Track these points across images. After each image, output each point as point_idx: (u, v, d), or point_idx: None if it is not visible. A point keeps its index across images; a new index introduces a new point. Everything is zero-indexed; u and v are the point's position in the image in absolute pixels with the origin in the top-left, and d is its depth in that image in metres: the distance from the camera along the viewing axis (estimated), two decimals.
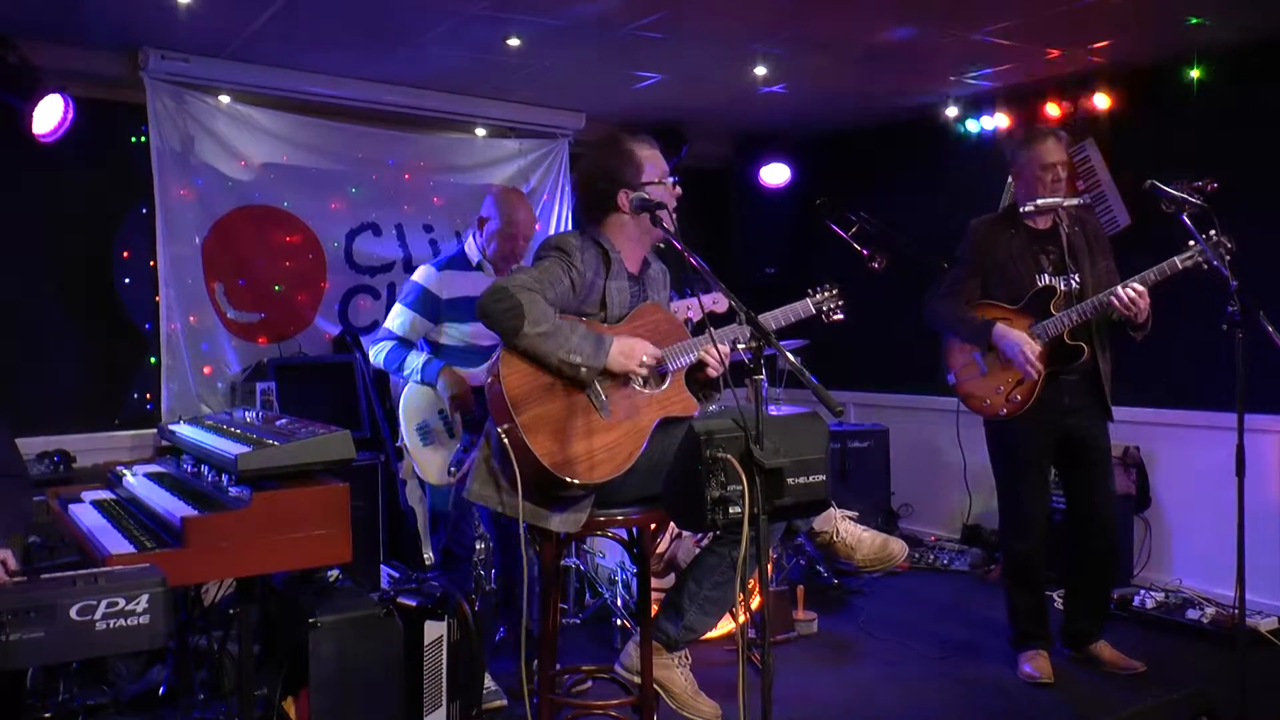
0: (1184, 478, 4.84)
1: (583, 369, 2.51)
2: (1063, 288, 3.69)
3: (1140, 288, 3.48)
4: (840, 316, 3.19)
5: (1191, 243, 3.39)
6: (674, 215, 2.72)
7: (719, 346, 2.68)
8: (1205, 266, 3.37)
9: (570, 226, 5.87)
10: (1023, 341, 3.62)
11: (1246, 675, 3.15)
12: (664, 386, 2.70)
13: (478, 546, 4.10)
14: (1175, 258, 3.47)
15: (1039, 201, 3.65)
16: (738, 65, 4.89)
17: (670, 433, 2.58)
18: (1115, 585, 4.08)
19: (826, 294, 3.17)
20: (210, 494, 2.53)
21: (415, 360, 3.60)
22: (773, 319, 2.97)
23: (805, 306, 3.13)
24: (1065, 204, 3.68)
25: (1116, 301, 3.49)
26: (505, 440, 2.49)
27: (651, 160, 2.75)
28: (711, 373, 2.74)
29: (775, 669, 2.28)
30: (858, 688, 3.82)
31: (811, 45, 4.62)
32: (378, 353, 3.68)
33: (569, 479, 2.46)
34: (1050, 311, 3.64)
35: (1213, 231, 3.41)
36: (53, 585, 1.89)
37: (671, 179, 2.79)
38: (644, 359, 2.61)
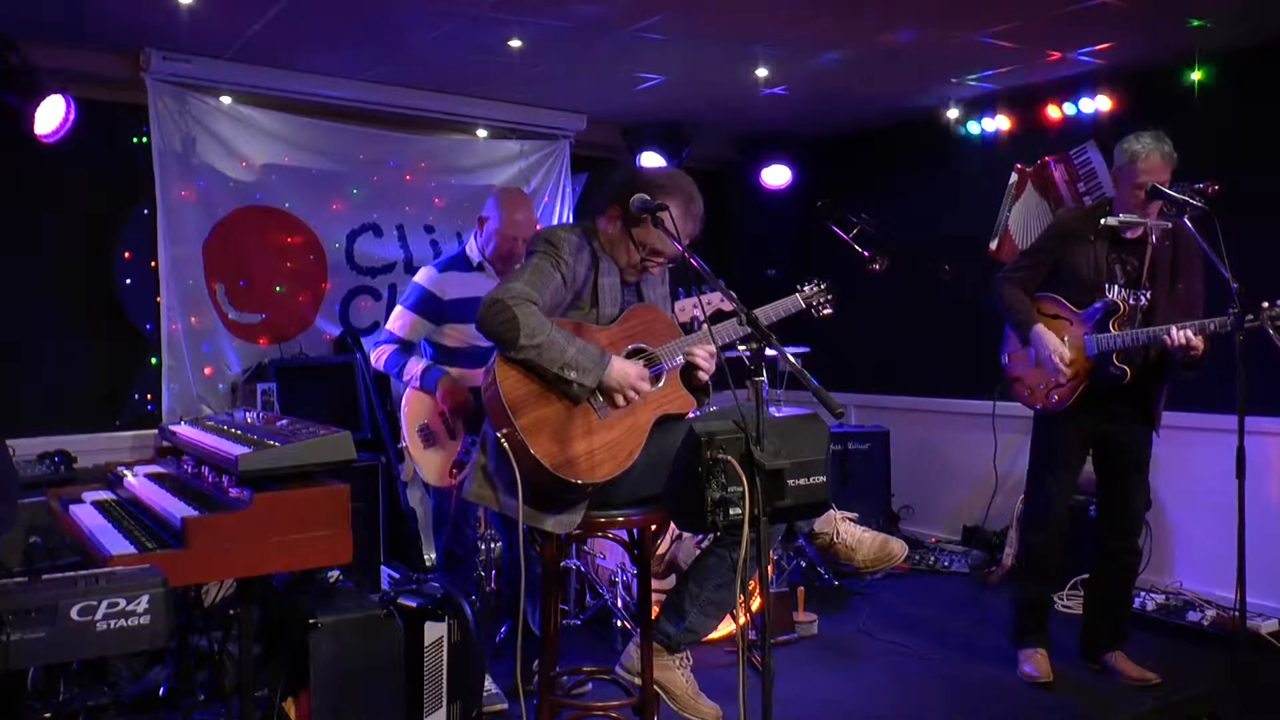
0: (1184, 480, 4.84)
1: (576, 385, 2.51)
2: (1130, 303, 3.60)
3: (1194, 336, 3.35)
4: (830, 311, 3.19)
5: (1266, 304, 3.23)
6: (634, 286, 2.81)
7: (709, 346, 2.69)
8: (1272, 330, 3.22)
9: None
10: (1056, 349, 3.57)
11: (1247, 678, 3.15)
12: (660, 385, 2.71)
13: (480, 547, 4.10)
14: (1229, 320, 3.26)
15: (1123, 217, 3.53)
16: (739, 66, 4.89)
17: (668, 431, 2.59)
18: (1133, 591, 4.01)
19: (816, 288, 3.18)
20: (211, 495, 2.53)
21: (415, 366, 3.61)
22: (762, 314, 2.97)
23: (795, 301, 3.15)
24: (1150, 224, 3.57)
25: (1168, 340, 3.37)
26: (505, 444, 2.49)
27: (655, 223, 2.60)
28: (702, 375, 2.73)
29: (776, 670, 2.27)
30: (858, 689, 3.82)
31: (813, 47, 4.62)
32: (378, 356, 3.69)
33: (571, 479, 2.46)
34: (1109, 327, 3.56)
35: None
36: (53, 585, 1.89)
37: (646, 254, 2.71)
38: (636, 387, 2.59)
